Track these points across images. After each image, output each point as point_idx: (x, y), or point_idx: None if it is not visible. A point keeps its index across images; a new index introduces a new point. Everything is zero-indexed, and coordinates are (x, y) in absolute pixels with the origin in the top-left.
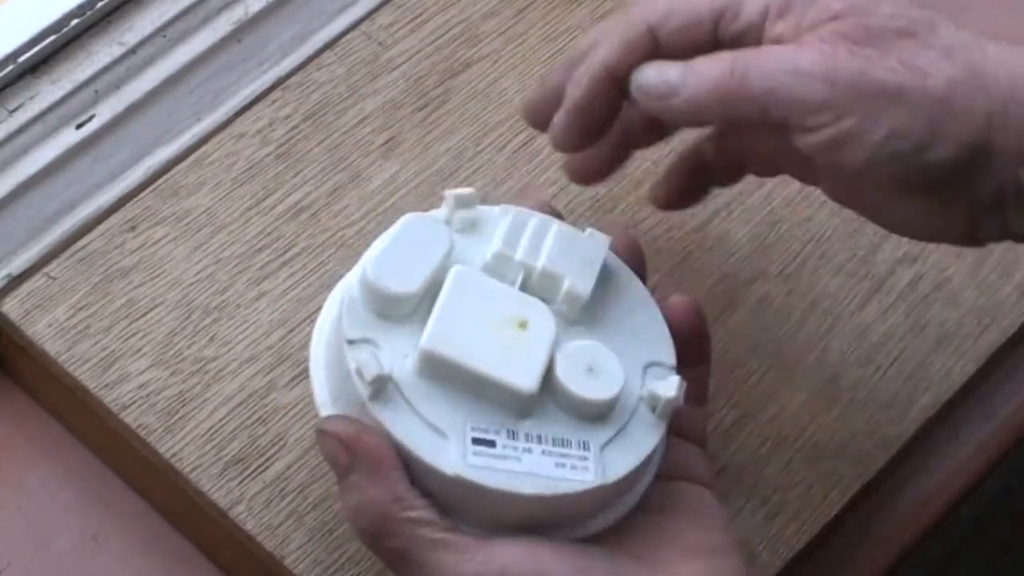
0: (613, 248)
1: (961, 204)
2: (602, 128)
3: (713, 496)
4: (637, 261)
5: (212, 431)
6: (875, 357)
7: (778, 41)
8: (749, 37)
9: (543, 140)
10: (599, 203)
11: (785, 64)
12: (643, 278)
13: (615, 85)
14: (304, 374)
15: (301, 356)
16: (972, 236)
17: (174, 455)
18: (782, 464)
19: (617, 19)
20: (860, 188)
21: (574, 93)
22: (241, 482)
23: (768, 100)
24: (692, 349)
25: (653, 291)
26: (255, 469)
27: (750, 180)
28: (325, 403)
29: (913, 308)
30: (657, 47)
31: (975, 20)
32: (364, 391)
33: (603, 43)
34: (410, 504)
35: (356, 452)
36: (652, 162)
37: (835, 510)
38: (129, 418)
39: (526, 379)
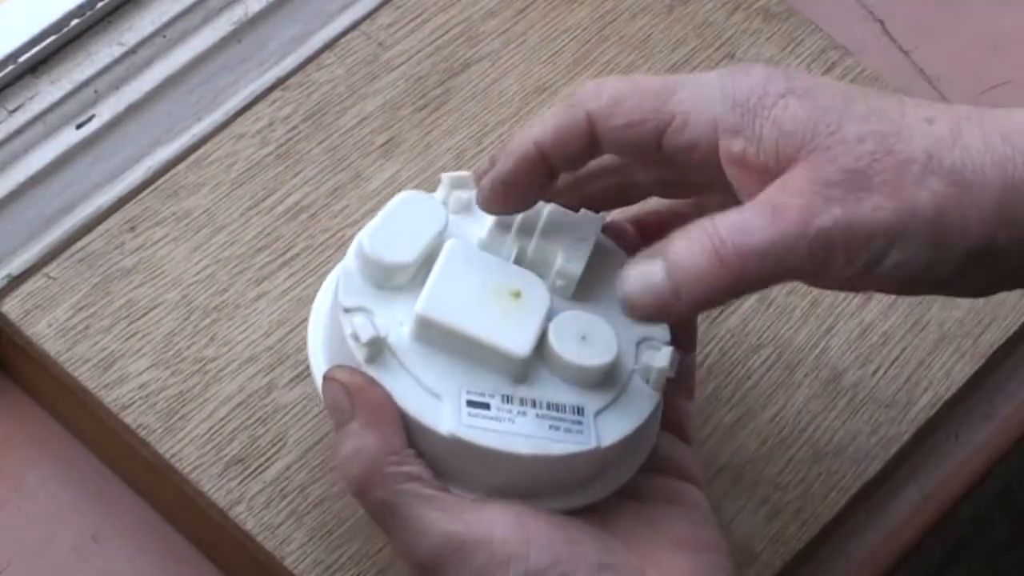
0: (609, 233)
1: (973, 284)
2: (526, 200)
3: (703, 494)
4: (632, 246)
5: (212, 431)
6: (875, 357)
7: (741, 160)
8: (699, 150)
9: None
10: None
11: (771, 237)
12: None
13: (543, 162)
14: (305, 374)
15: (301, 356)
16: (984, 294)
17: (174, 455)
18: (782, 464)
19: (562, 103)
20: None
21: (502, 166)
22: (241, 482)
23: (768, 277)
24: (679, 337)
25: None
26: (255, 469)
27: None
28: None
29: (913, 308)
30: (594, 138)
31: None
32: (360, 354)
33: (540, 121)
34: (404, 459)
35: (358, 401)
36: None
37: (835, 510)
38: (129, 418)
39: (519, 343)
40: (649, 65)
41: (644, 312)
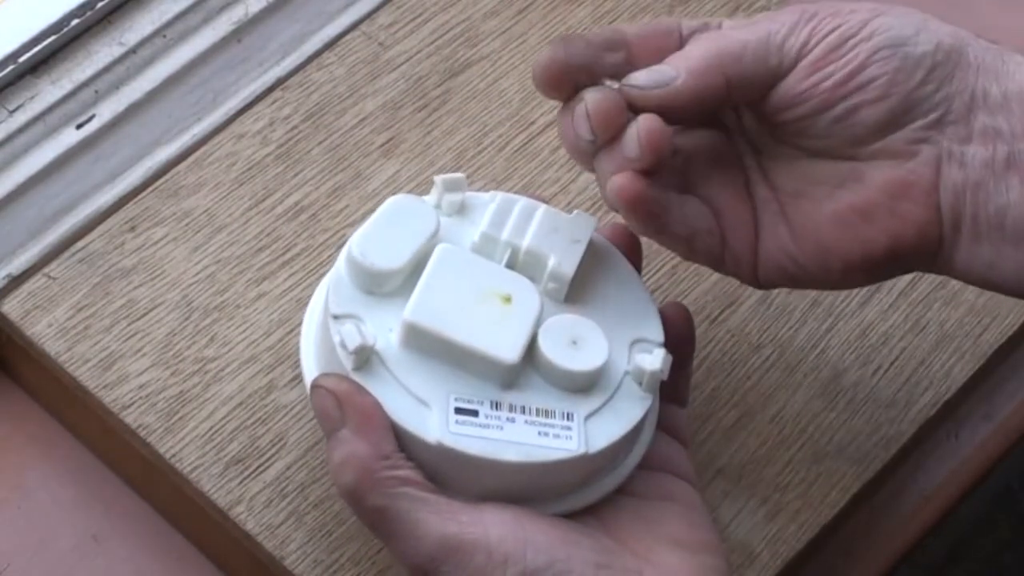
0: (607, 236)
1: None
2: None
3: (698, 494)
4: (632, 249)
5: (212, 431)
6: (875, 357)
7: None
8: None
9: (543, 140)
10: (600, 203)
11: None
12: (638, 267)
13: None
14: None
15: None
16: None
17: (174, 455)
18: (782, 464)
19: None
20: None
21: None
22: (241, 482)
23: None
24: (676, 354)
25: (648, 284)
26: (255, 469)
27: None
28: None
29: (913, 308)
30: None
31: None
32: (347, 362)
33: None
34: (396, 463)
35: (348, 408)
36: None
37: (835, 510)
38: (129, 418)
39: (508, 350)
40: None
41: (647, 86)
